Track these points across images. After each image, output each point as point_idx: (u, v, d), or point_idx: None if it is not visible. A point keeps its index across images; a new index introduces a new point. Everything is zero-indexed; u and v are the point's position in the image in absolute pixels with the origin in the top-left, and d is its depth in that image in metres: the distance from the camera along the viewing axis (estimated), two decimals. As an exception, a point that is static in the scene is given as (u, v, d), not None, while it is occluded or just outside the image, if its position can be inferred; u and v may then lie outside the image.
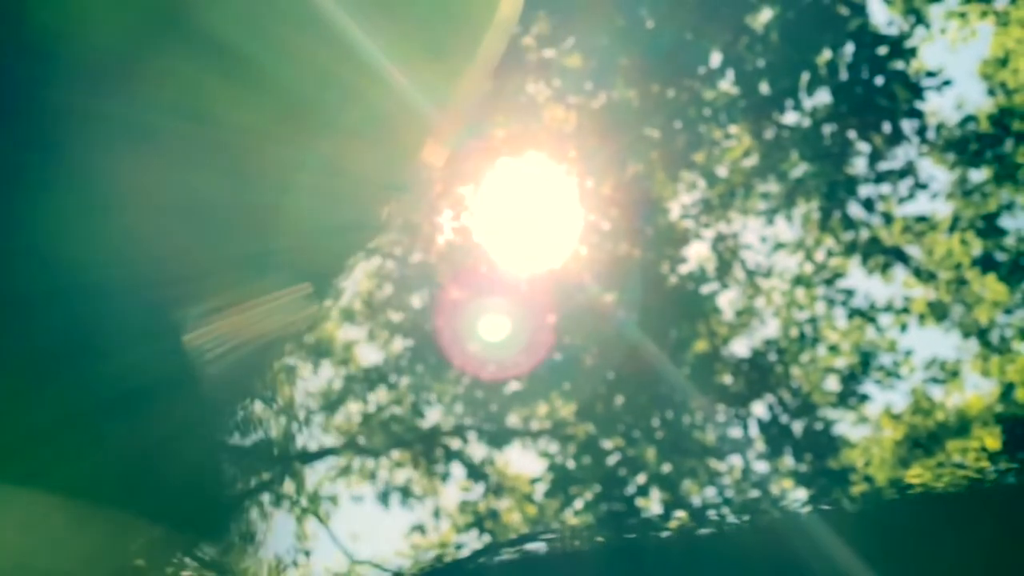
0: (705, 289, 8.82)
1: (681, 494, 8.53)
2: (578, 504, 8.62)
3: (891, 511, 1.67)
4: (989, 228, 8.39)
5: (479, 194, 7.72)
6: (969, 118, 8.21)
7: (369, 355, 9.33)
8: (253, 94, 1.67)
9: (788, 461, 8.58)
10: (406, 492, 9.08)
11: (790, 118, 8.04)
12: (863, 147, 7.99)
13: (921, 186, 8.26)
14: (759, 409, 8.71)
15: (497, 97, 7.62)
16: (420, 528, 9.13)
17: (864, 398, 8.85)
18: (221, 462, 1.93)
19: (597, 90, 7.90)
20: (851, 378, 8.90)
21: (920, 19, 7.70)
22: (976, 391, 8.58)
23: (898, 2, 7.70)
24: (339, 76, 1.74)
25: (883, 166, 8.10)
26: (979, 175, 8.41)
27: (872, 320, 8.86)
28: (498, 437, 9.10)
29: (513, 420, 9.14)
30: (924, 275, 8.53)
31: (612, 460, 8.50)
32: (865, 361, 8.91)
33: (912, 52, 7.55)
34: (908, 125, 7.83)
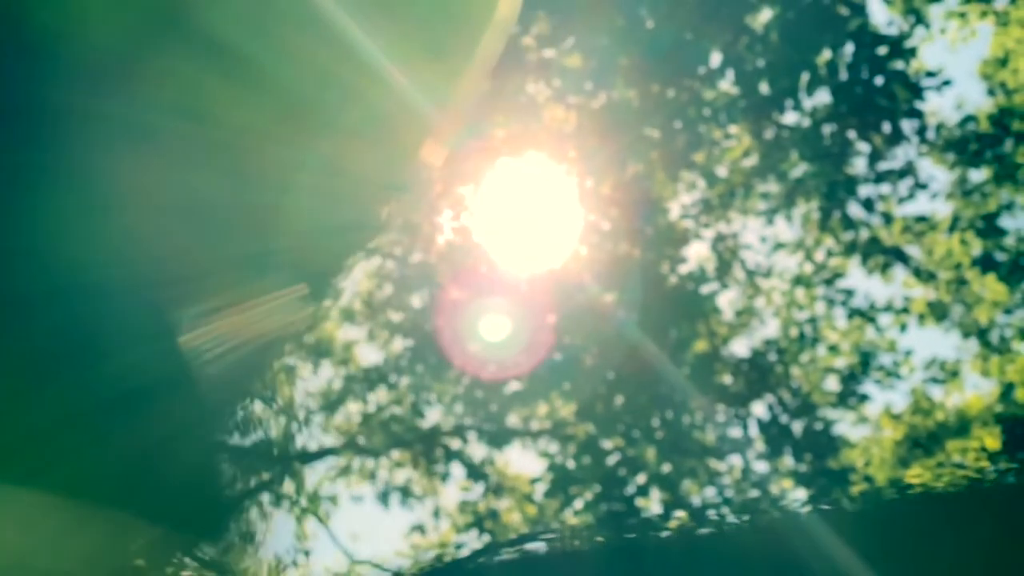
0: (705, 289, 8.83)
1: (681, 494, 8.53)
2: (578, 504, 8.62)
3: (891, 511, 1.67)
4: (989, 228, 8.39)
5: (479, 194, 7.73)
6: (969, 118, 8.21)
7: (369, 355, 9.34)
8: (253, 94, 1.67)
9: (788, 461, 8.59)
10: (406, 492, 9.08)
11: (790, 118, 8.05)
12: (863, 147, 8.00)
13: (921, 186, 8.27)
14: (759, 409, 8.72)
15: (497, 97, 7.62)
16: (420, 528, 9.13)
17: (864, 398, 8.85)
18: (221, 462, 1.93)
19: (597, 90, 7.91)
20: (851, 378, 8.90)
21: (920, 19, 7.70)
22: (976, 391, 8.58)
23: (898, 2, 7.70)
24: (339, 76, 1.74)
25: (883, 166, 8.10)
26: (979, 175, 8.42)
27: (872, 320, 8.86)
28: (498, 437, 9.10)
29: (513, 420, 9.14)
30: (924, 275, 8.53)
31: (612, 460, 8.50)
32: (865, 361, 8.92)
33: (912, 52, 7.55)
34: (908, 125, 7.83)
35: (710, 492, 8.60)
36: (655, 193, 8.34)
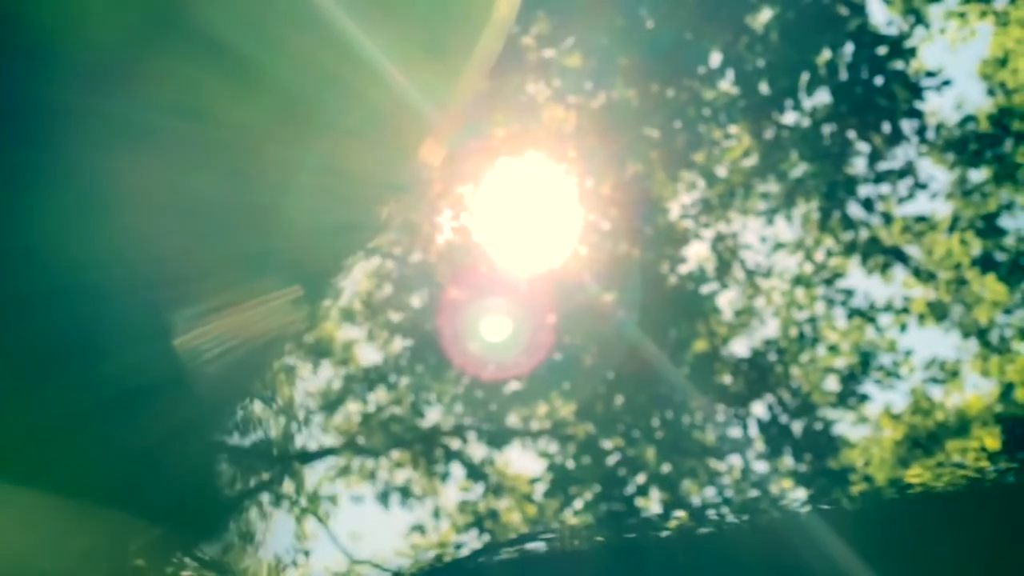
0: (705, 289, 8.83)
1: (681, 494, 8.53)
2: (578, 504, 8.62)
3: (890, 511, 1.67)
4: (989, 228, 8.39)
5: (479, 194, 7.72)
6: (969, 118, 8.21)
7: (369, 355, 9.34)
8: (253, 94, 1.67)
9: (788, 461, 8.58)
10: (406, 492, 9.08)
11: (790, 118, 8.05)
12: (863, 147, 7.99)
13: (921, 186, 8.27)
14: (759, 409, 8.72)
15: (497, 97, 7.62)
16: (420, 528, 9.13)
17: (864, 398, 8.85)
18: (221, 462, 1.93)
19: (597, 90, 7.90)
20: (851, 378, 8.90)
21: (920, 19, 7.70)
22: (976, 391, 8.58)
23: (898, 2, 7.70)
24: (339, 76, 1.74)
25: (883, 166, 8.10)
26: (979, 175, 8.42)
27: (872, 320, 8.86)
28: (498, 437, 9.10)
29: (513, 420, 9.14)
30: (924, 275, 8.53)
31: (612, 460, 8.50)
32: (865, 361, 8.91)
33: (912, 52, 7.55)
34: (908, 125, 7.83)
35: (710, 492, 8.60)
36: (655, 193, 8.34)
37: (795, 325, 9.01)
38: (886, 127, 7.76)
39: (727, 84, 7.80)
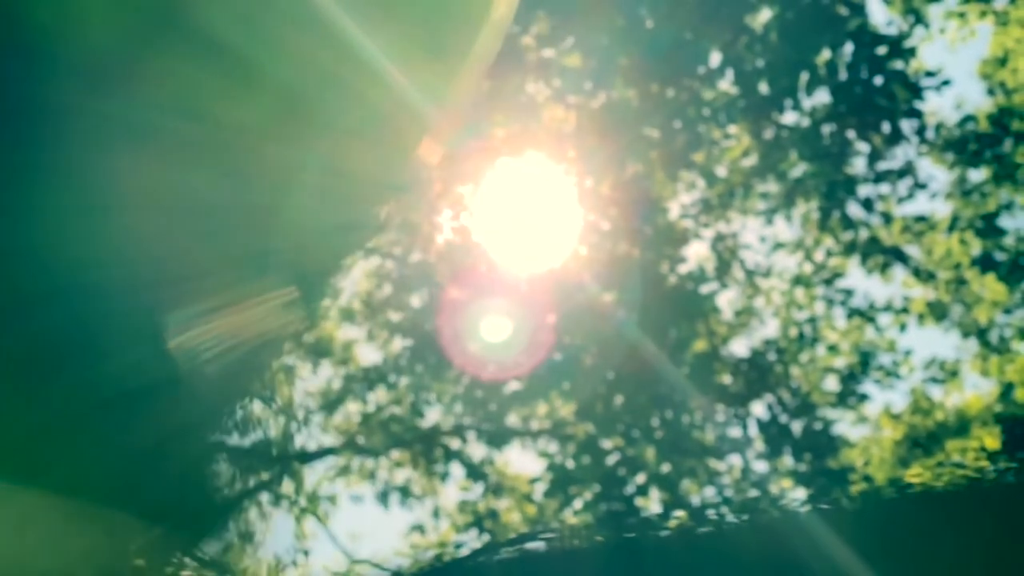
0: (704, 289, 8.83)
1: (680, 494, 8.53)
2: (577, 504, 8.62)
3: (890, 510, 1.67)
4: (988, 228, 8.40)
5: (479, 194, 7.72)
6: (968, 118, 8.21)
7: (368, 355, 9.34)
8: (253, 94, 1.67)
9: (787, 461, 8.59)
10: (405, 492, 9.08)
11: (789, 118, 8.05)
12: (862, 147, 8.00)
13: (920, 186, 8.27)
14: (758, 409, 8.72)
15: (497, 97, 7.62)
16: (420, 528, 9.13)
17: (863, 398, 8.86)
18: (220, 462, 1.93)
19: (597, 90, 7.91)
20: (850, 378, 8.90)
21: (919, 19, 7.70)
22: (975, 391, 8.59)
23: (897, 2, 7.70)
24: (338, 76, 1.74)
25: (882, 166, 8.10)
26: (978, 175, 8.42)
27: (871, 320, 8.87)
28: (498, 437, 9.10)
29: (513, 420, 9.14)
30: (923, 275, 8.54)
31: (611, 460, 8.51)
32: (864, 361, 8.92)
33: (911, 52, 7.55)
34: (907, 125, 7.83)
35: (710, 492, 8.60)
36: (655, 193, 8.34)
37: (795, 325, 9.01)
38: (886, 127, 7.76)
39: (727, 84, 7.81)
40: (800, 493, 8.57)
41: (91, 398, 1.60)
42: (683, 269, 8.75)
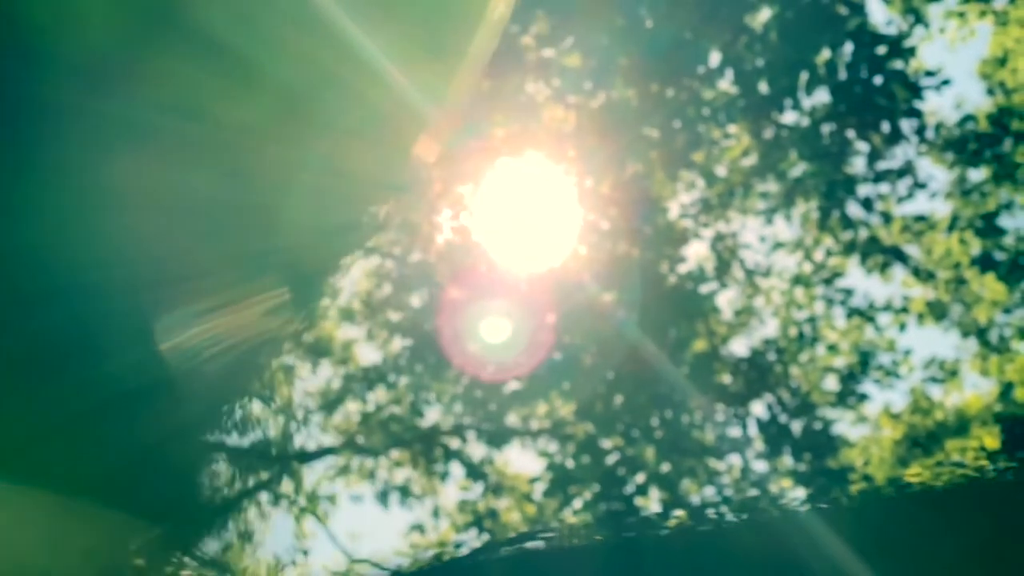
0: (704, 289, 8.83)
1: (680, 493, 8.53)
2: (577, 503, 8.63)
3: (889, 509, 1.67)
4: (988, 227, 8.40)
5: (479, 194, 7.72)
6: (968, 117, 8.21)
7: (368, 354, 9.34)
8: (253, 94, 1.67)
9: (787, 460, 8.59)
10: (405, 491, 9.08)
11: (789, 117, 8.05)
12: (862, 146, 8.00)
13: (920, 185, 8.27)
14: (758, 408, 8.72)
15: (497, 97, 7.62)
16: (419, 527, 9.13)
17: (863, 397, 8.86)
18: (220, 461, 1.93)
19: (596, 90, 7.90)
20: (850, 377, 8.90)
21: (919, 19, 7.70)
22: (975, 390, 8.59)
23: (897, 2, 7.70)
24: (339, 76, 1.74)
25: (882, 165, 8.10)
26: (978, 174, 8.42)
27: (871, 319, 8.87)
28: (497, 436, 9.10)
29: (512, 420, 9.14)
30: (923, 274, 8.54)
31: (611, 459, 8.51)
32: (864, 360, 8.92)
33: (911, 52, 7.55)
34: (907, 124, 7.83)
35: (709, 491, 8.61)
36: (654, 193, 8.34)
37: (794, 325, 9.01)
38: (885, 126, 7.76)
39: (726, 84, 7.81)
40: (800, 493, 8.57)
41: (91, 398, 1.60)
42: (683, 269, 8.76)
